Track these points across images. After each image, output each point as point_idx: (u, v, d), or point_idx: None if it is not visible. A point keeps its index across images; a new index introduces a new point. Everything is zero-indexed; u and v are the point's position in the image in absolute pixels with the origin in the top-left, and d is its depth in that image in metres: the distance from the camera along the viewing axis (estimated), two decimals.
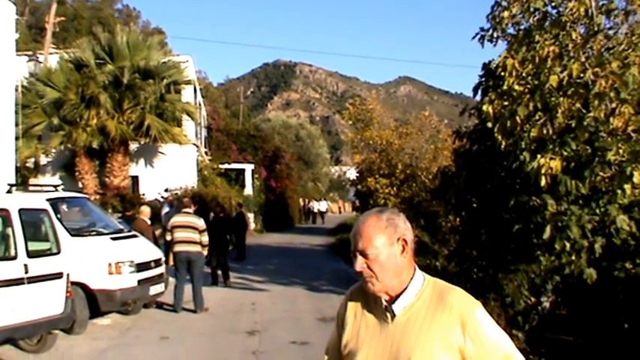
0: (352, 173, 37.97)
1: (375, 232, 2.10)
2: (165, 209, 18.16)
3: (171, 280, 11.65)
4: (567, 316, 9.03)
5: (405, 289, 2.13)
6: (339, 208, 68.21)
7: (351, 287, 2.33)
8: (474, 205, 10.85)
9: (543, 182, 7.76)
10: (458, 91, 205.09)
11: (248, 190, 33.59)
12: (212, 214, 18.19)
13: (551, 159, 7.66)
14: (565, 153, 7.84)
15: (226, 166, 32.59)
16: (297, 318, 11.05)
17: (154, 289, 10.53)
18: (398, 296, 2.13)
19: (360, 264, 2.11)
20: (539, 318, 8.97)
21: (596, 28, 8.33)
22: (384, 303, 2.14)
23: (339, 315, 2.32)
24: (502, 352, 2.07)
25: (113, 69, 22.25)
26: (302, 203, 46.45)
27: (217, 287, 14.33)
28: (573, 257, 7.82)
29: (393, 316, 2.13)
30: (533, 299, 8.95)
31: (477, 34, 9.11)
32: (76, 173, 23.08)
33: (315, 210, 48.86)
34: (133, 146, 24.18)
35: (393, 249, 2.11)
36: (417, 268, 2.17)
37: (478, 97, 9.92)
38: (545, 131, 8.04)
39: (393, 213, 2.17)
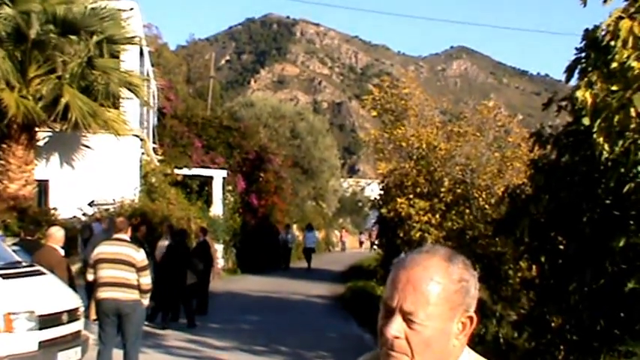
0: (374, 190, 37.77)
1: (438, 292, 2.08)
2: (88, 233, 18.07)
3: (93, 341, 11.51)
4: None
5: None
6: (342, 242, 67.07)
7: None
8: (561, 246, 10.79)
9: None
10: (542, 72, 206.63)
11: (217, 210, 33.62)
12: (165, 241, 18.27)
13: None
14: None
15: (185, 171, 32.63)
16: None
17: (65, 357, 10.39)
18: None
19: (397, 329, 2.09)
20: None
21: None
22: None
23: None
24: None
25: (13, 15, 22.18)
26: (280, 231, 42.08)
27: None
28: None
29: None
30: None
31: None
32: None
33: (290, 244, 42.48)
34: (43, 134, 24.18)
35: (452, 325, 2.11)
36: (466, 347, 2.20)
37: (574, 82, 9.80)
38: None
39: (467, 267, 2.14)
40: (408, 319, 2.08)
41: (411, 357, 2.09)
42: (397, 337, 2.09)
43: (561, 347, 10.02)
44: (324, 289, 29.81)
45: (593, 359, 8.99)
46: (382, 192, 26.61)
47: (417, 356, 2.08)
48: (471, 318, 2.13)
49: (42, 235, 15.03)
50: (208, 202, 33.40)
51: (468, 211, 21.89)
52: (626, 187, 8.37)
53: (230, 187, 35.73)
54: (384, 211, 25.44)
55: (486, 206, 20.95)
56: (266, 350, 15.47)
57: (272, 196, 40.16)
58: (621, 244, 8.58)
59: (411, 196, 22.65)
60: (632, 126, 8.35)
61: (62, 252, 12.73)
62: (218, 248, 29.38)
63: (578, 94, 8.78)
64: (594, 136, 8.61)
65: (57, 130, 23.98)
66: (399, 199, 22.87)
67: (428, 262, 2.11)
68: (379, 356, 2.18)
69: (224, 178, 34.66)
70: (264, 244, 38.30)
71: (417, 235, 21.43)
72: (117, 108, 23.88)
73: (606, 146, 8.59)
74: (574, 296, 9.98)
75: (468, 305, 2.13)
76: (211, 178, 34.14)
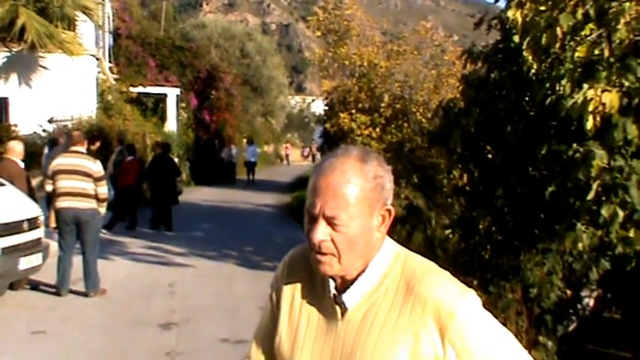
0: (319, 106, 37.66)
1: (357, 193, 2.04)
2: (48, 148, 17.88)
3: (54, 248, 11.48)
4: (620, 321, 9.08)
5: (365, 269, 2.11)
6: (286, 155, 67.21)
7: (289, 253, 2.38)
8: (489, 155, 10.86)
9: (590, 124, 7.66)
10: None
11: (171, 125, 33.56)
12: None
13: (603, 91, 7.54)
14: (627, 83, 7.72)
15: (140, 89, 32.50)
16: (231, 306, 11.12)
17: (27, 262, 10.35)
18: (354, 280, 2.11)
19: (323, 233, 2.05)
20: (579, 320, 9.01)
21: None
22: (332, 290, 2.13)
23: (273, 289, 2.35)
24: None
25: None
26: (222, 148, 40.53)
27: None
28: (632, 233, 7.76)
29: (345, 310, 2.11)
30: (569, 292, 8.97)
31: None
32: None
33: (234, 159, 41.15)
34: (0, 55, 23.78)
35: (372, 220, 2.07)
36: (386, 237, 2.17)
37: (503, 3, 9.79)
38: (598, 51, 7.92)
39: (381, 164, 2.11)
40: (331, 222, 2.05)
41: (338, 256, 2.07)
42: (323, 241, 2.07)
43: (488, 247, 10.13)
44: (272, 199, 30.13)
45: (515, 256, 9.13)
46: (326, 108, 26.59)
47: (343, 255, 2.07)
48: (389, 211, 2.11)
49: (2, 150, 14.84)
50: (163, 119, 33.49)
51: (406, 125, 21.89)
52: (549, 100, 8.41)
53: (183, 104, 35.63)
54: (328, 125, 25.42)
55: (423, 120, 20.95)
56: (218, 255, 15.65)
57: (223, 113, 40.07)
58: (543, 151, 8.62)
59: (353, 111, 22.59)
60: (557, 45, 8.36)
61: (22, 165, 12.58)
62: None
63: (510, 13, 8.75)
64: (524, 53, 8.62)
65: (14, 50, 23.53)
66: (342, 115, 22.81)
67: (344, 166, 2.07)
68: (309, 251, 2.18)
69: (177, 95, 34.56)
70: (214, 158, 38.28)
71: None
72: (72, 29, 23.44)
73: (534, 63, 8.62)
74: (500, 200, 10.07)
75: (385, 199, 2.11)
76: (165, 95, 34.09)
